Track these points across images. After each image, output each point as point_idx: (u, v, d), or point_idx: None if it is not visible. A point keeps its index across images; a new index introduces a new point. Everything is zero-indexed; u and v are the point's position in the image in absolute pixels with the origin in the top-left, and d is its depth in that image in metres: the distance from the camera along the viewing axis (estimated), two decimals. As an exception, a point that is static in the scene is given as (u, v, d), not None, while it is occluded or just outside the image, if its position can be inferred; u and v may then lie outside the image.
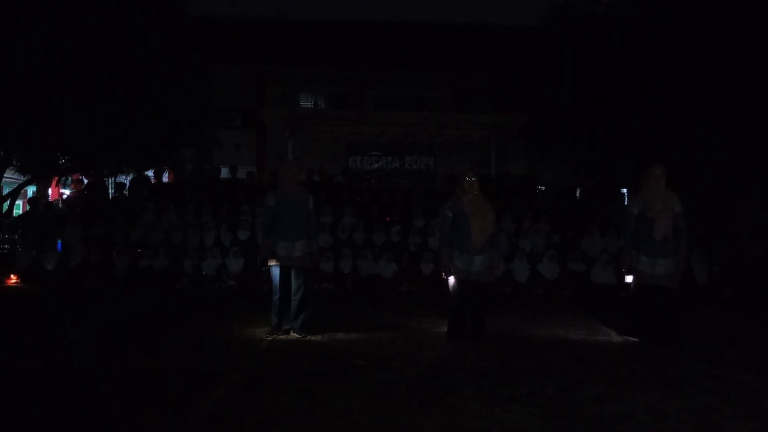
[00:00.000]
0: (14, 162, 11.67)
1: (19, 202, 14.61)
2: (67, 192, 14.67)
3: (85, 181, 13.24)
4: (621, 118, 12.23)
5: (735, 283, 10.34)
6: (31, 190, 16.79)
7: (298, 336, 6.05)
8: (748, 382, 4.61)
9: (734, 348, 5.93)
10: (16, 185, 13.46)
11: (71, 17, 10.34)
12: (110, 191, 14.06)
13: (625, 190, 13.89)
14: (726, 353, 5.65)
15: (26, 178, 12.51)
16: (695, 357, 5.45)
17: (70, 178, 13.75)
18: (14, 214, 13.65)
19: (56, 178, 14.90)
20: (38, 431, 3.39)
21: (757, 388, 4.45)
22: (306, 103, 21.66)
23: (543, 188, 14.79)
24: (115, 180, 14.40)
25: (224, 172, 14.18)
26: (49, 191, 16.88)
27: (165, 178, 14.72)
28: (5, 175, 12.26)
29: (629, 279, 6.46)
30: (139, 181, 13.17)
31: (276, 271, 6.16)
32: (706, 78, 10.94)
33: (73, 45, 10.35)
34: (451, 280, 6.10)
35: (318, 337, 6.05)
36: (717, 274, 10.46)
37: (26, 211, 12.46)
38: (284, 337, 6.04)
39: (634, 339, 6.19)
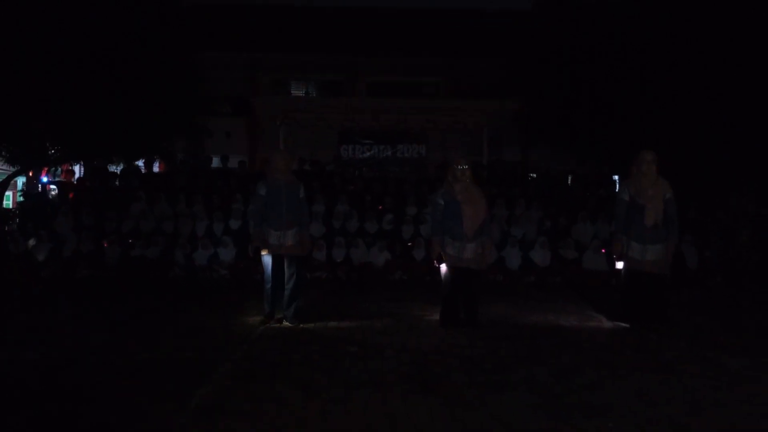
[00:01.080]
0: (3, 152, 11.57)
1: (8, 193, 14.50)
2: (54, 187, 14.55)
3: (75, 171, 13.16)
4: (616, 111, 12.25)
5: (725, 269, 10.42)
6: (20, 181, 16.68)
7: (290, 324, 6.05)
8: (738, 366, 4.65)
9: (724, 333, 5.98)
10: (6, 176, 13.35)
11: (61, 5, 10.23)
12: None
13: (616, 177, 13.92)
14: (716, 338, 5.70)
15: (16, 168, 12.41)
16: (686, 342, 5.49)
17: (60, 168, 13.65)
18: (5, 205, 13.56)
19: (46, 169, 14.80)
20: (32, 423, 3.37)
21: (748, 372, 4.49)
22: (297, 91, 21.55)
23: (534, 175, 14.81)
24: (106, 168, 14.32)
25: (215, 162, 14.12)
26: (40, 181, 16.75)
27: (156, 168, 14.66)
28: (-6, 165, 12.19)
29: (620, 265, 6.49)
30: (130, 171, 13.10)
31: (268, 260, 6.15)
32: (705, 77, 10.97)
33: (63, 35, 10.25)
34: (443, 267, 6.11)
35: (311, 326, 6.05)
36: (708, 260, 10.54)
37: (19, 202, 12.38)
38: (277, 325, 6.05)
39: (625, 324, 6.23)
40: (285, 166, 6.22)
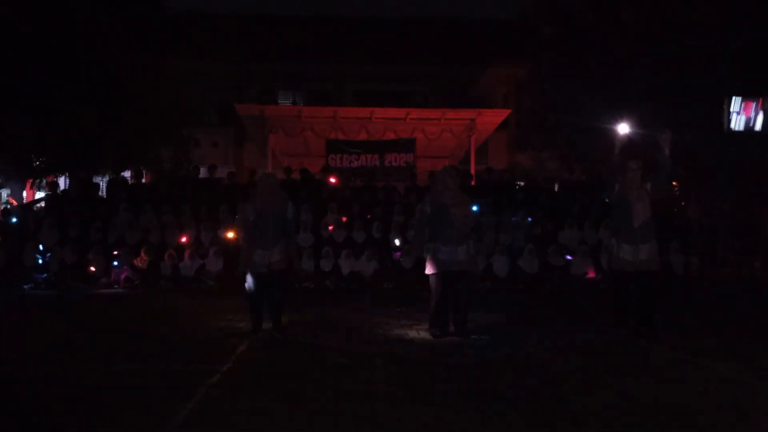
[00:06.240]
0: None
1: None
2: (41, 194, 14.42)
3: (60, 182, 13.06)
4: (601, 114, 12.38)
5: (712, 273, 10.52)
6: (5, 193, 16.51)
7: (278, 336, 6.00)
8: (724, 370, 4.67)
9: (711, 337, 6.01)
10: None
11: (51, 16, 10.20)
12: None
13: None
14: (703, 342, 5.73)
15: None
16: (673, 346, 5.51)
17: (44, 180, 13.54)
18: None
19: (30, 180, 14.66)
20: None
21: (734, 376, 4.51)
22: (284, 101, 21.54)
23: (522, 183, 14.88)
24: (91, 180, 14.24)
25: (203, 172, 14.06)
26: (24, 194, 16.60)
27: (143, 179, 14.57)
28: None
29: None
30: (117, 181, 13.01)
31: (252, 278, 6.12)
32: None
33: (51, 44, 10.21)
34: (431, 270, 6.09)
35: (298, 337, 6.01)
36: (695, 265, 10.62)
37: (4, 212, 12.25)
38: (264, 337, 5.99)
39: (613, 330, 6.24)
40: (271, 190, 6.19)
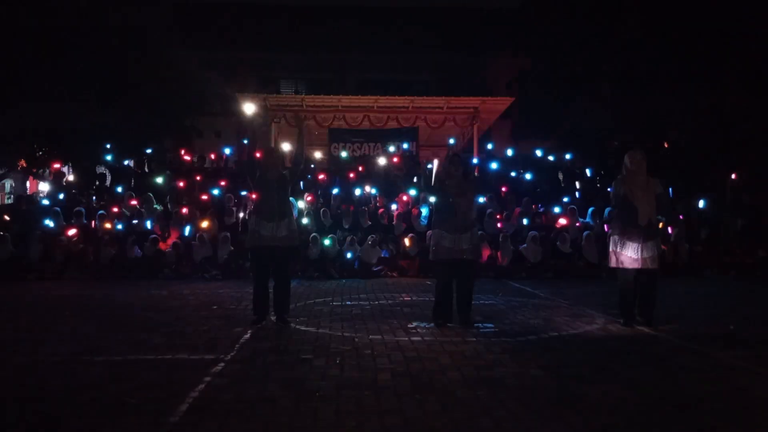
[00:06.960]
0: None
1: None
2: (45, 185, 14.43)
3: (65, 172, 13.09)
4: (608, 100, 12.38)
5: (716, 262, 10.51)
6: (8, 184, 16.54)
7: (282, 324, 6.02)
8: (726, 358, 4.68)
9: (713, 326, 6.01)
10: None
11: (53, 8, 10.20)
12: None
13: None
14: (706, 331, 5.73)
15: (3, 171, 12.34)
16: (675, 335, 5.52)
17: (47, 170, 13.57)
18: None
19: (34, 170, 14.69)
20: (17, 427, 3.34)
21: (735, 364, 4.52)
22: (287, 90, 21.50)
23: (530, 175, 14.86)
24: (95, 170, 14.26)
25: (208, 161, 14.05)
26: (27, 184, 16.63)
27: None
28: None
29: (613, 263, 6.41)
30: (121, 170, 13.04)
31: (258, 261, 6.14)
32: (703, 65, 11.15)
33: (53, 36, 10.21)
34: (434, 258, 6.12)
35: (302, 325, 6.03)
36: (698, 253, 10.61)
37: (9, 204, 12.29)
38: (268, 325, 6.01)
39: (615, 319, 6.23)
40: (273, 162, 6.26)
